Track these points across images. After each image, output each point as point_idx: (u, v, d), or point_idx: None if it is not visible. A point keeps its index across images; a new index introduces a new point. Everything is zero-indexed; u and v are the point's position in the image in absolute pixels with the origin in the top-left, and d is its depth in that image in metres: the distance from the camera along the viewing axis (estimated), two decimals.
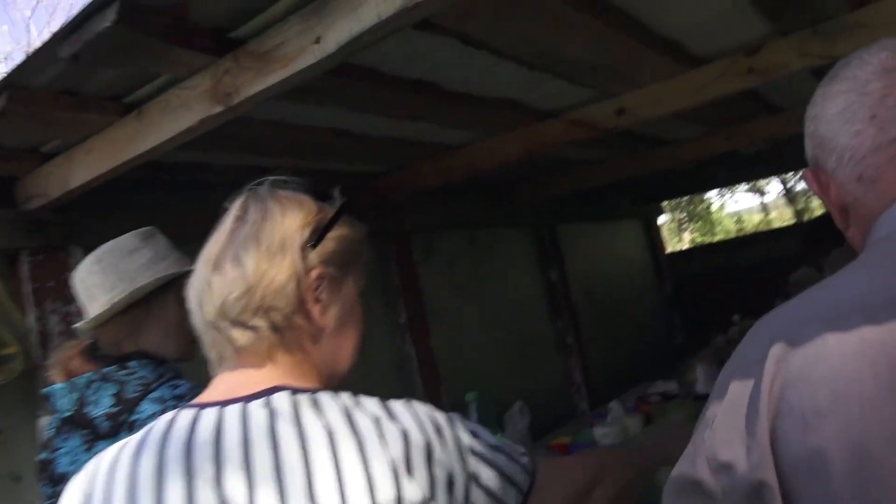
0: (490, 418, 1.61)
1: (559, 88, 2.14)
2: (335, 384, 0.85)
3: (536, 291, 4.17)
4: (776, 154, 4.59)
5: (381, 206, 2.99)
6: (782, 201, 20.59)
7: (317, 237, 0.82)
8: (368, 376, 2.92)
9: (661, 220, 5.90)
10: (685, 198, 16.13)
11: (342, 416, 0.73)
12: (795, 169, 5.74)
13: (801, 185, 20.37)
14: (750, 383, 0.60)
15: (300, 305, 0.80)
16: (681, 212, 17.03)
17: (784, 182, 20.04)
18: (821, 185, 0.75)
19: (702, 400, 2.47)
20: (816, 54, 1.94)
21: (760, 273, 5.13)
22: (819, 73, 2.59)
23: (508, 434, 1.87)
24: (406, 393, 2.94)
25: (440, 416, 0.79)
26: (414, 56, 1.68)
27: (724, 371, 0.66)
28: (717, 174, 5.09)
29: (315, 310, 0.81)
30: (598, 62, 1.89)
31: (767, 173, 5.75)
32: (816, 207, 19.73)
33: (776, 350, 0.59)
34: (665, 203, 6.42)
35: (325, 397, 0.75)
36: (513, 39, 1.66)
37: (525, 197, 3.92)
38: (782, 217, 19.26)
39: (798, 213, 18.90)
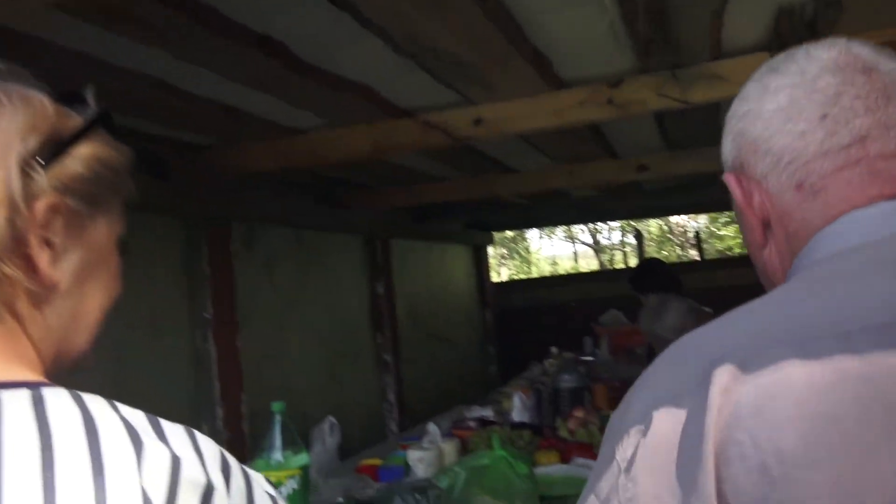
0: (294, 434, 1.38)
1: (421, 84, 1.99)
2: (66, 368, 0.58)
3: (361, 303, 3.97)
4: (605, 201, 4.83)
5: (200, 185, 2.64)
6: (591, 251, 22.39)
7: (51, 151, 0.55)
8: (155, 371, 2.53)
9: (489, 250, 6.00)
10: (513, 232, 16.91)
11: (76, 427, 0.47)
12: (618, 218, 6.10)
13: (608, 238, 22.32)
14: (681, 418, 0.45)
15: (16, 248, 0.53)
16: (503, 247, 17.80)
17: (593, 234, 21.85)
18: (743, 191, 0.63)
19: (519, 428, 2.41)
20: (673, 97, 1.96)
21: (576, 311, 5.36)
22: (661, 119, 2.73)
23: (316, 452, 1.65)
24: (199, 396, 2.59)
25: (232, 459, 0.56)
26: (265, 3, 1.43)
27: (635, 399, 0.51)
28: (552, 212, 5.26)
29: (42, 257, 0.55)
30: (468, 59, 1.76)
31: (594, 218, 6.07)
32: (618, 261, 21.71)
33: (722, 377, 0.44)
34: (496, 233, 6.55)
35: (54, 397, 0.49)
36: (385, 10, 1.47)
37: (361, 203, 3.73)
38: (590, 265, 20.86)
39: (602, 264, 20.57)
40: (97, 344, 0.62)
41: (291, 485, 1.35)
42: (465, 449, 2.22)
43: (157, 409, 0.55)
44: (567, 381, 2.71)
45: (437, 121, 2.20)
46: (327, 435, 1.60)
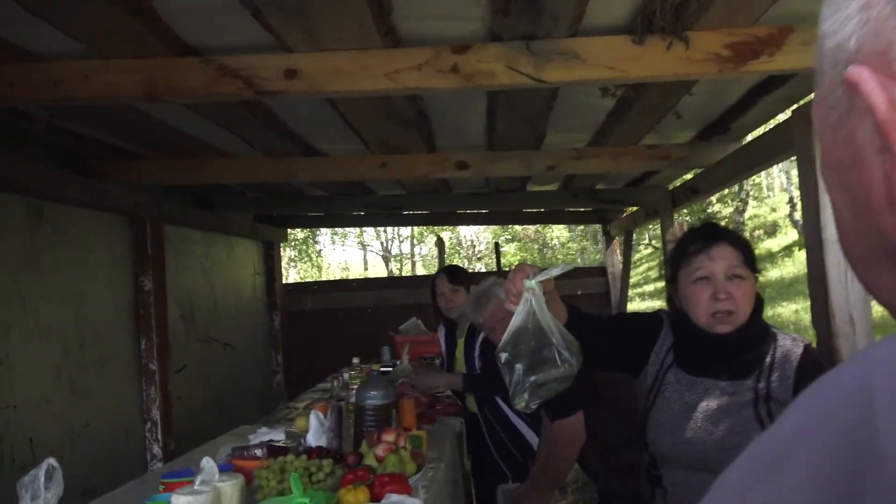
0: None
1: (223, 13, 1.51)
2: None
3: (119, 298, 3.24)
4: (411, 201, 4.57)
5: None
6: (381, 260, 22.40)
7: None
8: None
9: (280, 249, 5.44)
10: (305, 232, 16.15)
11: None
12: (422, 224, 5.91)
13: (398, 249, 22.54)
14: None
15: None
16: (293, 249, 17.00)
17: (384, 243, 21.90)
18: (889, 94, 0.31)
19: (318, 456, 1.97)
20: (525, 72, 1.70)
21: (374, 317, 5.02)
22: (492, 112, 2.48)
23: None
24: None
25: None
26: None
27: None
28: (354, 209, 4.87)
29: None
30: None
31: (397, 221, 5.79)
32: (407, 271, 21.95)
33: None
34: (289, 231, 6.00)
35: None
36: None
37: (123, 175, 3.03)
38: (379, 274, 20.80)
39: (391, 272, 20.65)
40: None
41: None
42: (250, 487, 1.74)
43: None
44: (373, 398, 2.33)
45: (238, 66, 1.72)
46: (41, 488, 1.05)
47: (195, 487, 1.56)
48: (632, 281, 8.24)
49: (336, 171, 3.15)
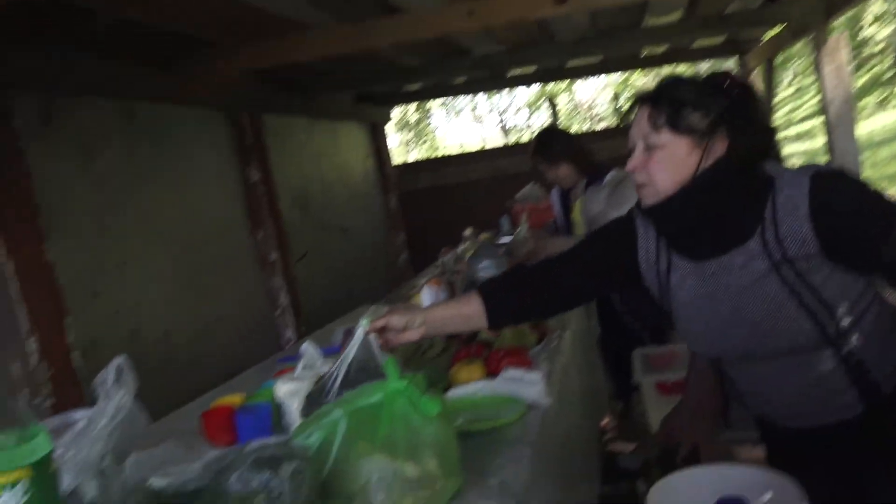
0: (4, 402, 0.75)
1: None
2: None
3: (230, 195, 3.24)
4: (511, 58, 4.17)
5: None
6: (498, 134, 21.86)
7: None
8: None
9: (389, 130, 5.28)
10: (413, 108, 15.97)
11: None
12: (527, 83, 5.48)
13: (515, 120, 21.82)
14: None
15: None
16: (408, 131, 16.95)
17: (500, 114, 21.23)
18: None
19: None
20: None
21: (489, 188, 4.82)
22: None
23: (103, 417, 1.03)
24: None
25: None
26: None
27: None
28: (450, 75, 4.56)
29: None
30: None
31: (499, 84, 5.37)
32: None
33: None
34: (392, 110, 5.80)
35: None
36: None
37: (212, 68, 2.90)
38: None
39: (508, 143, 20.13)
40: None
41: (11, 500, 0.74)
42: None
43: None
44: (485, 269, 2.17)
45: None
46: (112, 386, 0.99)
47: (296, 374, 1.48)
48: (776, 123, 7.35)
49: (419, 29, 2.83)
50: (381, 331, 1.34)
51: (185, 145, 2.93)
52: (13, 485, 0.75)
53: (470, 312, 1.37)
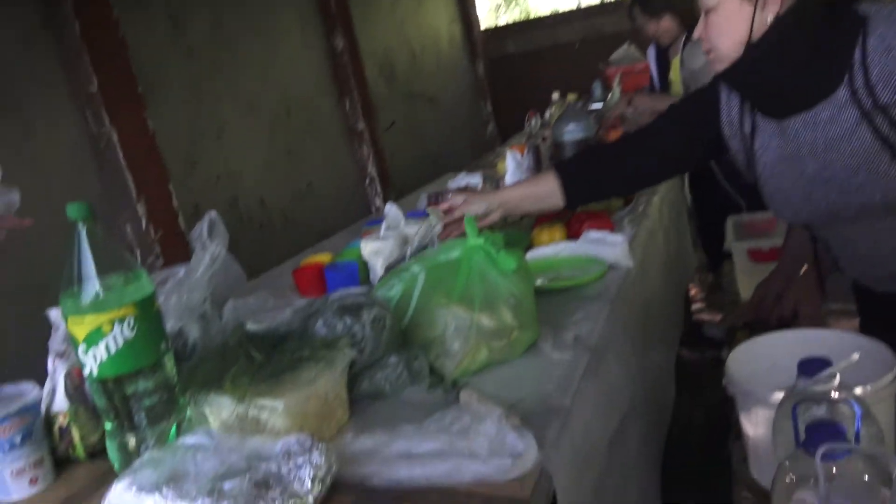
0: (114, 249, 0.82)
1: None
2: None
3: (315, 63, 3.24)
4: None
5: None
6: None
7: None
8: (35, 170, 1.94)
9: None
10: None
11: None
12: None
13: None
14: None
15: None
16: None
17: None
18: None
19: None
20: None
21: (583, 51, 4.57)
22: None
23: (200, 266, 1.10)
24: (109, 193, 2.01)
25: None
26: None
27: None
28: None
29: None
30: None
31: None
32: None
33: None
34: None
35: None
36: None
37: None
38: None
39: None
40: None
41: (121, 333, 0.82)
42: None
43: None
44: (572, 132, 2.10)
45: None
46: (207, 238, 1.05)
47: (381, 234, 1.52)
48: None
49: None
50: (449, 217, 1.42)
51: (270, 14, 2.92)
52: (122, 319, 0.83)
53: (546, 191, 1.37)
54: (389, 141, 3.67)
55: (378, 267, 1.49)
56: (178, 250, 2.28)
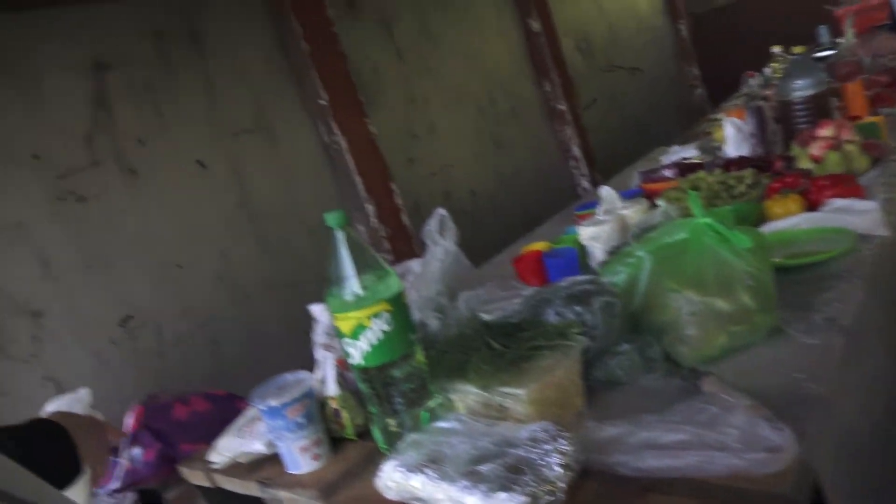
0: (366, 251, 0.91)
1: None
2: None
3: (513, 47, 3.27)
4: None
5: None
6: None
7: None
8: (282, 176, 2.20)
9: None
10: None
11: None
12: None
13: None
14: None
15: None
16: None
17: None
18: None
19: (736, 168, 1.73)
20: None
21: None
22: None
23: (434, 261, 1.18)
24: (341, 196, 2.24)
25: None
26: None
27: None
28: None
29: None
30: None
31: None
32: None
33: None
34: None
35: None
36: None
37: None
38: None
39: None
40: None
41: (379, 327, 0.91)
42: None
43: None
44: (801, 88, 1.90)
45: None
46: (437, 234, 1.12)
47: (598, 217, 1.51)
48: None
49: None
50: None
51: (466, 5, 3.00)
52: (379, 315, 0.92)
53: None
54: (591, 118, 3.60)
55: (598, 252, 1.48)
56: (404, 245, 2.46)
